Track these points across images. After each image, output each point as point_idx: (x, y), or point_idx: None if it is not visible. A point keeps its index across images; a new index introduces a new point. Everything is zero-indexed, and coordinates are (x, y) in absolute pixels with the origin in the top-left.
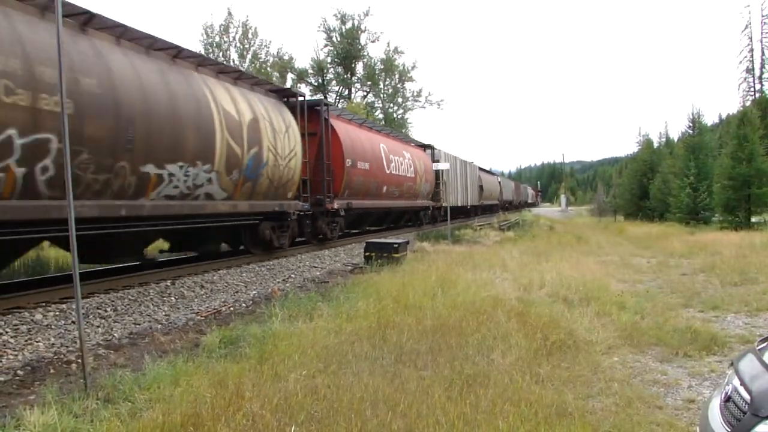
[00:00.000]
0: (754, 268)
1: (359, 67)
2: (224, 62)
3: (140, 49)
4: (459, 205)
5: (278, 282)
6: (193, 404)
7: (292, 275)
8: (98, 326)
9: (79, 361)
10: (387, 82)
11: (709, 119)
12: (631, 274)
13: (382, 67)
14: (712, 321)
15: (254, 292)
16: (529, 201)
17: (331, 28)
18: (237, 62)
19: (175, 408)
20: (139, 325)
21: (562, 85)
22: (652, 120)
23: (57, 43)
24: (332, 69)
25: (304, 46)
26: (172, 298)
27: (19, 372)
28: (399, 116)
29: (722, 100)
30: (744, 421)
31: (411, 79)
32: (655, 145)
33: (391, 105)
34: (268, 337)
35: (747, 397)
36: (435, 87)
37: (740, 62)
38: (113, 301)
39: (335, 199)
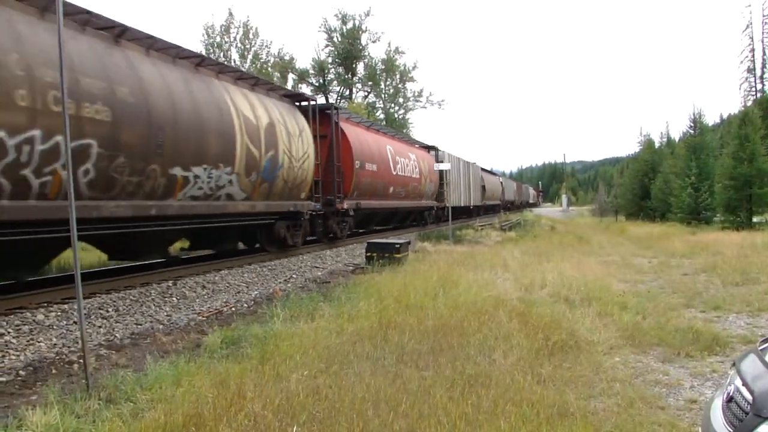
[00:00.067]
0: (756, 268)
1: (360, 68)
2: (241, 69)
3: (167, 59)
4: (462, 205)
5: (280, 282)
6: (194, 404)
7: (294, 275)
8: (100, 326)
9: (81, 361)
10: (388, 83)
11: (711, 119)
12: (632, 275)
13: (383, 67)
14: (714, 321)
15: (256, 292)
16: (531, 201)
17: (332, 29)
18: (238, 62)
19: (177, 408)
20: (140, 325)
21: (564, 85)
22: (654, 120)
23: (58, 43)
24: (333, 69)
25: (305, 47)
26: (174, 299)
27: (21, 372)
28: (400, 117)
29: (723, 100)
30: (746, 422)
31: (412, 80)
32: (657, 145)
33: (392, 105)
34: (270, 337)
35: (749, 397)
36: (436, 87)
37: (741, 62)
38: (115, 301)
39: (345, 199)
